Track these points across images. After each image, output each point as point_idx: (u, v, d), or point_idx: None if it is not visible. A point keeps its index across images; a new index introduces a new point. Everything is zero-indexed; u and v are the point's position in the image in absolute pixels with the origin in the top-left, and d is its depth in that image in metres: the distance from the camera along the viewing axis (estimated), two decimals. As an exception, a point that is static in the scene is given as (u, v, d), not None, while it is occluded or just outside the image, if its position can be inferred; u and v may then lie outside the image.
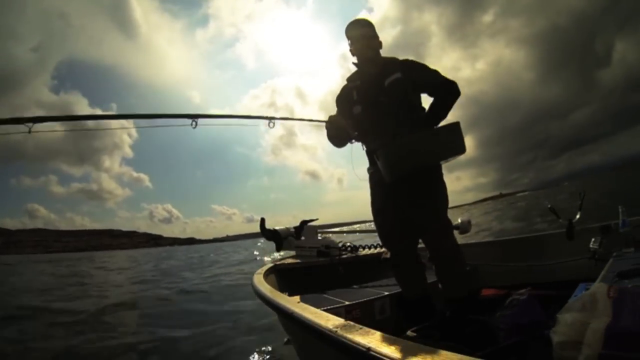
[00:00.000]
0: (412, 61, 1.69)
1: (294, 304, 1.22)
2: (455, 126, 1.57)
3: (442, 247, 1.66)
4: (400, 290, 1.83)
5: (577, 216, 2.17)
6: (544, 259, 2.20)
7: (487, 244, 2.75)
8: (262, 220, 2.59)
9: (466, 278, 1.73)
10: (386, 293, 1.93)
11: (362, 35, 1.70)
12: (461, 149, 1.58)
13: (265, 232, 2.60)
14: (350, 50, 1.75)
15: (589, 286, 1.17)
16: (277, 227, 2.66)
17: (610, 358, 0.72)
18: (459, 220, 2.81)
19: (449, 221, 1.70)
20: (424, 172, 1.60)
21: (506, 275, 2.31)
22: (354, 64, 1.78)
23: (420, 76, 1.66)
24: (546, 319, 1.33)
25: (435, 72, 1.66)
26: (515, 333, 1.34)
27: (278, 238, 2.61)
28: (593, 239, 1.94)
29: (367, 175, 1.83)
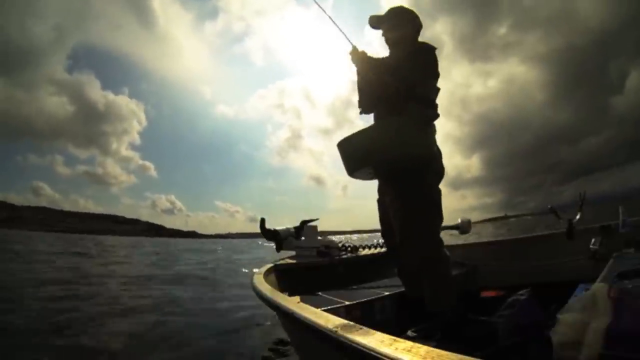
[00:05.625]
0: None
1: (294, 304, 1.21)
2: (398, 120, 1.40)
3: (407, 262, 1.55)
4: (400, 290, 1.84)
5: (577, 216, 2.17)
6: (544, 259, 2.20)
7: (487, 244, 2.75)
8: (262, 221, 2.58)
9: (443, 294, 1.49)
10: (386, 293, 1.93)
11: None
12: (401, 147, 1.35)
13: (266, 233, 2.60)
14: None
15: (589, 286, 1.17)
16: (277, 228, 2.66)
17: (611, 358, 0.72)
18: (459, 220, 2.81)
19: (419, 234, 1.48)
20: (400, 171, 1.47)
21: (506, 275, 2.31)
22: None
23: None
24: (546, 319, 1.33)
25: None
26: (515, 333, 1.34)
27: (278, 238, 2.61)
28: (593, 239, 1.94)
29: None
